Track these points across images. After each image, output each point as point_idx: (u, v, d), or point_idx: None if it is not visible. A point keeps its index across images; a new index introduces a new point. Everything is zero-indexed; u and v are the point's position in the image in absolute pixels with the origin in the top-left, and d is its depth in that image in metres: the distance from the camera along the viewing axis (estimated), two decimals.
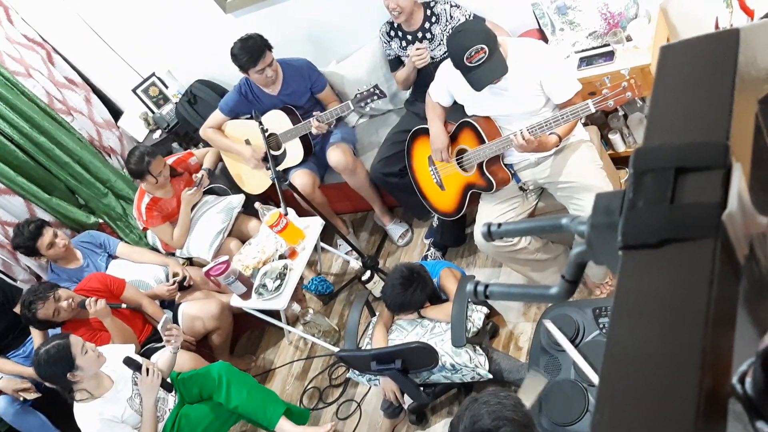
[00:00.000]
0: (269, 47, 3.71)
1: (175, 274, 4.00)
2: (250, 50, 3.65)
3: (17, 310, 3.73)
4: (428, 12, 3.52)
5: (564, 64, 3.03)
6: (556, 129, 2.75)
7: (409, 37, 3.60)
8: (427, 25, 3.52)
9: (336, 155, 3.88)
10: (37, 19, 4.76)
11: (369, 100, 3.57)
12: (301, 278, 3.98)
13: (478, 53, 2.60)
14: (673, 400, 0.50)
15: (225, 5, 4.19)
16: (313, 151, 4.05)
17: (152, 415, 2.96)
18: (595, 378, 2.10)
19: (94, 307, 3.37)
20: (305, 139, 3.95)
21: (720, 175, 0.57)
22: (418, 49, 3.48)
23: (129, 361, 2.96)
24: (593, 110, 2.62)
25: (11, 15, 4.66)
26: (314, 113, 3.73)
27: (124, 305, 3.57)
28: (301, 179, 3.92)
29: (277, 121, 3.89)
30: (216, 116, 4.12)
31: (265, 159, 4.03)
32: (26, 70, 4.61)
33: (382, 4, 3.48)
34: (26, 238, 3.80)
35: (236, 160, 4.24)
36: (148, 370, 2.95)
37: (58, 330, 3.55)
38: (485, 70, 2.62)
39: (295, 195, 3.66)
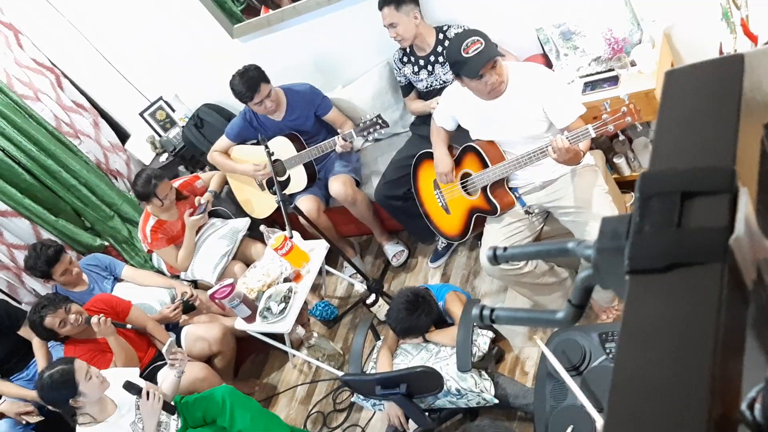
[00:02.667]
0: (265, 79, 3.74)
1: (183, 294, 3.99)
2: (245, 85, 3.70)
3: (22, 332, 3.74)
4: (441, 36, 3.55)
5: (566, 89, 3.05)
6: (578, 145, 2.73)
7: (422, 62, 3.63)
8: (439, 48, 3.55)
9: (336, 186, 3.90)
10: (46, 43, 4.81)
11: (372, 130, 3.58)
12: (306, 303, 3.97)
13: (474, 43, 2.67)
14: (682, 428, 0.49)
15: (232, 31, 4.23)
16: (318, 176, 4.07)
17: None
18: (592, 411, 2.06)
19: (99, 326, 3.37)
20: (309, 167, 3.97)
21: (727, 200, 0.57)
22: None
23: (129, 386, 2.93)
24: (593, 135, 2.63)
25: (21, 39, 4.71)
26: (339, 132, 3.73)
27: (129, 326, 3.57)
28: (306, 204, 3.92)
29: (281, 147, 3.90)
30: (222, 141, 4.16)
31: (270, 182, 4.05)
32: (35, 93, 4.66)
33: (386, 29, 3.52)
34: (43, 262, 3.79)
35: (242, 183, 4.25)
36: (148, 393, 2.93)
37: (61, 351, 3.54)
38: (479, 56, 2.66)
39: (301, 219, 3.67)
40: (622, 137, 3.44)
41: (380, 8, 3.48)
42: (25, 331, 3.73)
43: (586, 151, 2.81)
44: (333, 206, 4.16)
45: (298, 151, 3.90)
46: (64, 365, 2.86)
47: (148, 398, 2.92)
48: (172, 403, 3.07)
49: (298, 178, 4.01)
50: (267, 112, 3.86)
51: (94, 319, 3.38)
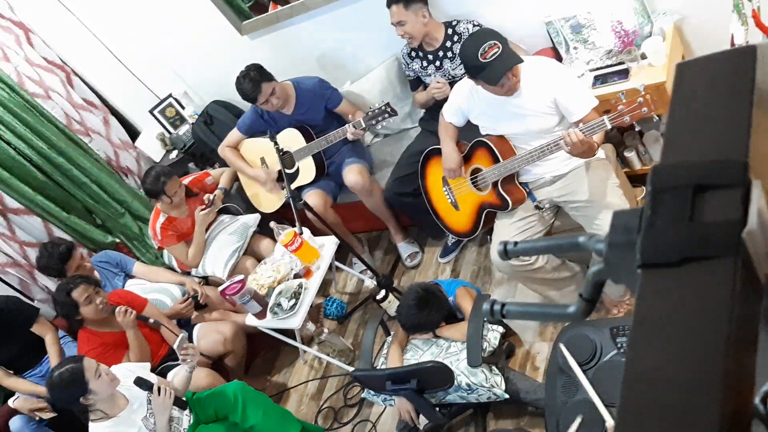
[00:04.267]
0: (267, 79, 3.76)
1: (192, 291, 4.00)
2: (247, 87, 3.74)
3: (35, 329, 3.76)
4: (450, 31, 3.54)
5: (578, 82, 3.03)
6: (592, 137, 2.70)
7: (430, 57, 3.62)
8: (448, 44, 3.54)
9: (353, 176, 3.89)
10: (56, 42, 4.83)
11: (380, 118, 3.58)
12: (321, 303, 3.98)
13: (492, 48, 2.62)
14: (695, 422, 0.49)
15: (241, 27, 4.24)
16: (327, 171, 4.07)
17: None
18: (603, 410, 2.06)
19: (123, 317, 3.39)
20: (318, 159, 3.97)
21: (739, 193, 0.56)
22: (438, 82, 3.51)
23: (140, 381, 2.95)
24: (609, 126, 2.59)
25: (31, 38, 4.74)
26: (351, 119, 3.74)
27: (152, 320, 3.57)
28: (313, 199, 3.92)
29: (291, 139, 3.92)
30: (234, 135, 4.18)
31: (279, 179, 4.06)
32: (45, 92, 4.68)
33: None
34: (56, 260, 3.81)
35: (252, 179, 4.26)
36: (159, 389, 2.94)
37: (73, 348, 3.56)
38: (499, 62, 2.62)
39: (309, 214, 3.67)
40: (638, 128, 3.41)
41: (388, 6, 3.47)
42: (38, 328, 3.75)
43: (601, 143, 2.78)
44: (341, 202, 4.17)
45: (307, 142, 3.91)
46: (74, 364, 2.86)
47: (159, 394, 2.93)
48: (184, 398, 3.08)
49: (306, 171, 4.01)
50: (275, 109, 3.87)
51: (120, 309, 3.40)
